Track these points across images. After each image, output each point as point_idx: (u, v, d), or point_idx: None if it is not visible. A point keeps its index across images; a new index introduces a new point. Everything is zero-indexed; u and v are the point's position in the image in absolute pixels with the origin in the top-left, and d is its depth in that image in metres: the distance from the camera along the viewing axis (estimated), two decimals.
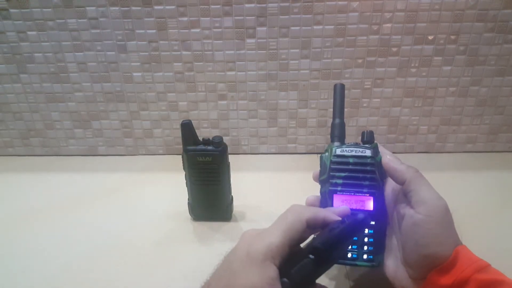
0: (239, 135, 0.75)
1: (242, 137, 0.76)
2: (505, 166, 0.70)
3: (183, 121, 0.49)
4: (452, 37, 0.65)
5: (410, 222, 0.35)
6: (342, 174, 0.40)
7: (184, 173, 0.52)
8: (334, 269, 0.46)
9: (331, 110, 0.72)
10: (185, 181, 0.53)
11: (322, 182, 0.42)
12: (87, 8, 0.65)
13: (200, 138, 0.51)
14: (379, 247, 0.40)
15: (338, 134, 0.43)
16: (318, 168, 0.43)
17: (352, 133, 0.74)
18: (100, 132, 0.76)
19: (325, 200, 0.41)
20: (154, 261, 0.48)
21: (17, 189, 0.66)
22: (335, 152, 0.41)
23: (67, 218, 0.58)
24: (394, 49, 0.66)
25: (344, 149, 0.41)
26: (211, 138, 0.50)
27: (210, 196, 0.53)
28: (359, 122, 0.73)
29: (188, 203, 0.55)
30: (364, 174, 0.40)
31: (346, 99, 0.71)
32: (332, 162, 0.41)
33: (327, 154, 0.42)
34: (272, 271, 0.30)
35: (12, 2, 0.64)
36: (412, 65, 0.68)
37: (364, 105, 0.71)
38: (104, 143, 0.77)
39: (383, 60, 0.67)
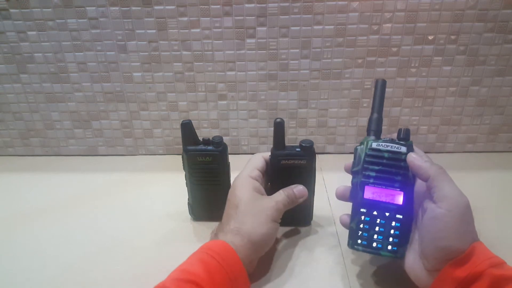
0: (239, 135, 0.75)
1: (242, 137, 0.76)
2: (505, 166, 0.70)
3: (183, 121, 0.49)
4: (452, 37, 0.65)
5: (431, 215, 0.37)
6: (375, 167, 0.41)
7: (184, 173, 0.52)
8: (334, 270, 0.46)
9: (331, 110, 0.73)
10: (185, 181, 0.53)
11: (354, 173, 0.43)
12: (87, 8, 0.65)
13: (200, 138, 0.51)
14: (404, 240, 0.41)
15: (374, 128, 0.44)
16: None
17: (352, 133, 0.74)
18: (100, 132, 0.76)
19: (356, 191, 0.42)
20: (154, 261, 0.48)
21: (17, 189, 0.66)
22: (371, 145, 0.42)
23: (67, 218, 0.58)
24: (394, 49, 0.66)
25: (380, 143, 0.42)
26: (211, 138, 0.50)
27: (210, 196, 0.53)
28: (359, 122, 0.73)
29: (188, 203, 0.55)
30: (397, 169, 0.41)
31: (346, 99, 0.71)
32: (367, 155, 0.42)
33: (362, 146, 0.43)
34: (255, 182, 0.47)
35: (12, 2, 0.64)
36: (412, 65, 0.68)
37: (364, 105, 0.71)
38: (104, 143, 0.77)
39: (383, 60, 0.67)
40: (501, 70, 0.68)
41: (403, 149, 0.41)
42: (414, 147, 0.42)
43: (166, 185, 0.65)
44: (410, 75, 0.68)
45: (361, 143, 0.43)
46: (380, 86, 0.45)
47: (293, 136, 0.75)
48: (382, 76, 0.68)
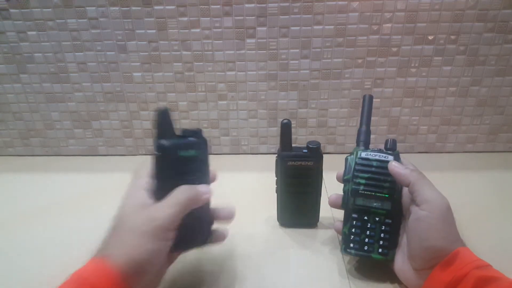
0: (239, 135, 0.75)
1: (242, 137, 0.76)
2: (505, 166, 0.70)
3: (158, 108, 0.39)
4: (452, 37, 0.65)
5: (414, 217, 0.39)
6: (365, 175, 0.43)
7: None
8: (334, 271, 0.46)
9: (331, 110, 0.73)
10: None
11: (345, 181, 0.45)
12: (87, 8, 0.65)
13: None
14: (393, 242, 0.43)
15: (363, 139, 0.47)
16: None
17: (352, 133, 0.74)
18: (100, 132, 0.76)
19: (348, 198, 0.45)
20: None
21: (17, 189, 0.66)
22: (360, 155, 0.44)
23: (67, 218, 0.58)
24: (394, 49, 0.66)
25: (369, 153, 0.44)
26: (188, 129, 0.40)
27: None
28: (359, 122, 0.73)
29: None
30: (385, 176, 0.43)
31: (346, 99, 0.71)
32: (357, 164, 0.44)
33: (352, 156, 0.45)
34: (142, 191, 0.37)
35: (12, 2, 0.64)
36: (412, 65, 0.68)
37: None
38: (104, 143, 0.77)
39: (383, 60, 0.67)
40: (501, 70, 0.68)
41: (390, 158, 0.43)
42: (401, 156, 0.44)
43: None
44: (410, 75, 0.68)
45: (351, 153, 0.46)
46: (368, 101, 0.48)
47: (293, 136, 0.74)
48: (382, 76, 0.69)
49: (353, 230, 0.44)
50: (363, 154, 0.44)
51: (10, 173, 0.72)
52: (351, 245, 0.44)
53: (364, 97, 0.48)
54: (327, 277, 0.45)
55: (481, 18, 0.63)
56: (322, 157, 0.49)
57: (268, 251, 0.50)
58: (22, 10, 0.65)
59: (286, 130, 0.48)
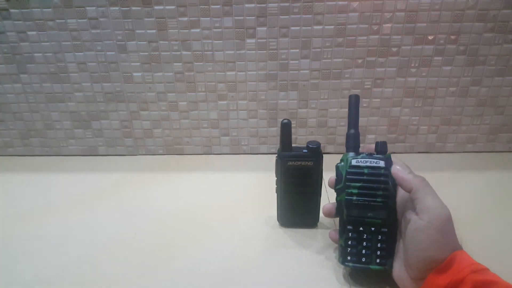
0: (239, 135, 0.75)
1: (242, 137, 0.76)
2: (505, 166, 0.70)
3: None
4: (452, 37, 0.65)
5: (413, 227, 0.38)
6: (357, 184, 0.43)
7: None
8: (334, 271, 0.46)
9: (331, 110, 0.73)
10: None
11: (338, 190, 0.44)
12: (87, 8, 0.65)
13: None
14: (390, 251, 0.42)
15: (352, 144, 0.46)
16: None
17: None
18: (100, 132, 0.76)
19: (341, 208, 0.44)
20: (154, 261, 0.48)
21: (17, 189, 0.66)
22: (351, 163, 0.43)
23: (67, 218, 0.58)
24: (394, 49, 0.66)
25: (359, 160, 0.43)
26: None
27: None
28: (359, 122, 0.73)
29: None
30: (378, 184, 0.42)
31: (346, 99, 0.71)
32: (348, 173, 0.43)
33: (343, 164, 0.44)
34: None
35: (12, 2, 0.64)
36: (412, 65, 0.68)
37: (364, 105, 0.71)
38: (104, 143, 0.77)
39: (383, 60, 0.67)
40: (501, 70, 0.68)
41: (381, 163, 0.42)
42: (394, 158, 0.43)
43: (166, 185, 0.65)
44: (410, 75, 0.68)
45: (341, 160, 0.45)
46: (354, 102, 0.46)
47: (293, 136, 0.75)
48: (382, 76, 0.69)
49: (350, 242, 0.43)
50: (354, 162, 0.43)
51: (10, 173, 0.72)
52: (349, 257, 0.43)
53: (350, 97, 0.46)
54: (327, 277, 0.45)
55: (481, 18, 0.63)
56: (322, 157, 0.49)
57: (268, 251, 0.50)
58: (22, 10, 0.65)
59: (286, 130, 0.48)
